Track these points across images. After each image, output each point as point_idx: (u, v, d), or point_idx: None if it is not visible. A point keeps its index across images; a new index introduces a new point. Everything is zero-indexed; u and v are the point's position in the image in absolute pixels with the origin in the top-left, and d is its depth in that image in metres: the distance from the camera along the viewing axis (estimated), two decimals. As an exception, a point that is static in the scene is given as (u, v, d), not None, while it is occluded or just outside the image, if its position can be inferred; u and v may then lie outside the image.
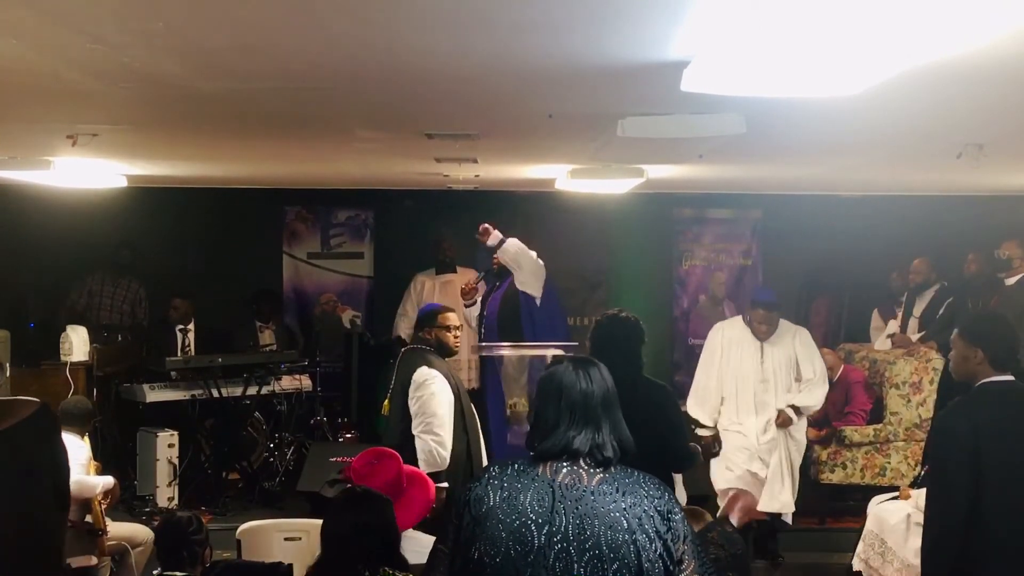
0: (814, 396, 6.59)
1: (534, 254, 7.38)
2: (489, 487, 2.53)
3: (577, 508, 2.46)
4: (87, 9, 2.56)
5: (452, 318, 5.22)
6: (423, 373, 4.96)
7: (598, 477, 2.52)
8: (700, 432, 6.51)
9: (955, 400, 3.81)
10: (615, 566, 2.42)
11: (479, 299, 7.41)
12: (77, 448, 5.60)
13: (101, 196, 7.79)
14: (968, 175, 6.52)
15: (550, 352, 7.05)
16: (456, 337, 5.24)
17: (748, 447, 6.55)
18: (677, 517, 2.53)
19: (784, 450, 6.60)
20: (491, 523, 2.48)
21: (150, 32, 2.77)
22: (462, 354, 8.19)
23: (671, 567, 2.48)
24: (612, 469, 2.54)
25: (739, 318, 6.88)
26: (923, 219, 8.74)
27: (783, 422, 6.54)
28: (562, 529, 2.44)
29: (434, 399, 4.90)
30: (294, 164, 7.08)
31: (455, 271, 8.77)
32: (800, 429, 6.69)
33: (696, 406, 6.66)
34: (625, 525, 2.45)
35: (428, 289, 8.75)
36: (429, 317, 5.22)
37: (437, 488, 4.74)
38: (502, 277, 7.41)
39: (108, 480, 5.62)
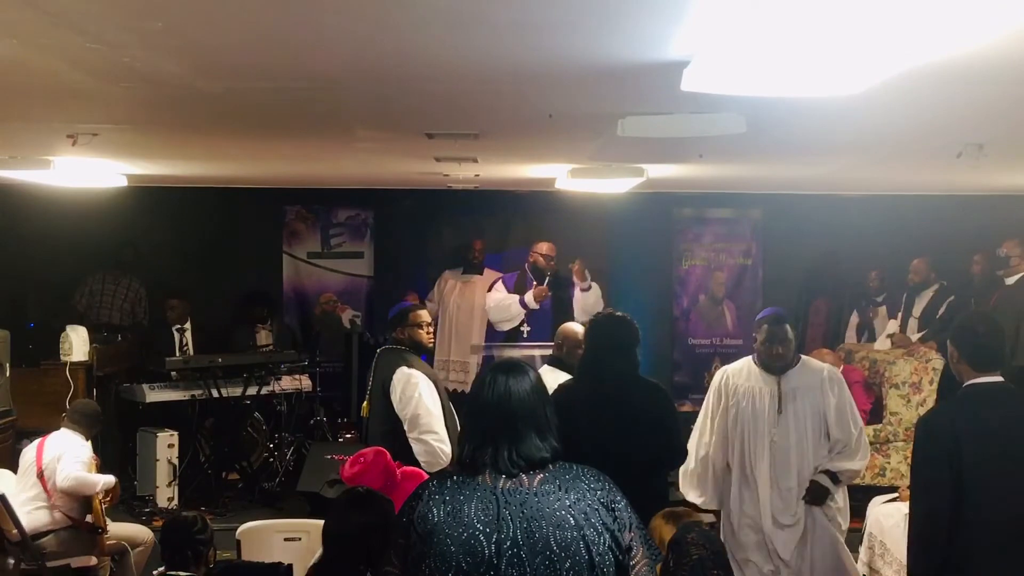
0: (857, 459, 4.83)
1: (595, 298, 8.09)
2: (431, 502, 2.49)
3: (523, 512, 2.45)
4: (87, 9, 2.56)
5: (424, 315, 5.19)
6: (404, 373, 4.89)
7: (539, 477, 2.50)
8: (703, 518, 4.52)
9: (943, 401, 3.84)
10: (567, 564, 2.42)
11: (586, 279, 7.97)
12: (80, 446, 5.64)
13: (101, 196, 7.79)
14: (968, 175, 6.52)
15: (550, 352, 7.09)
16: (429, 334, 5.20)
17: (764, 542, 4.82)
18: (621, 506, 2.53)
19: (819, 539, 4.81)
20: (439, 539, 2.44)
21: (150, 32, 2.77)
22: (464, 355, 8.26)
23: (620, 557, 2.48)
24: (551, 467, 2.52)
25: (745, 359, 5.04)
26: (923, 219, 8.75)
27: (815, 497, 4.76)
28: (511, 535, 2.43)
29: (422, 398, 4.86)
30: (294, 164, 7.08)
31: (481, 273, 8.82)
32: (841, 510, 4.90)
33: (689, 485, 5.03)
34: (572, 522, 2.45)
35: (450, 287, 8.80)
36: (400, 316, 5.15)
37: None
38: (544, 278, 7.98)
39: (109, 479, 5.64)
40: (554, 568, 2.41)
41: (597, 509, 2.48)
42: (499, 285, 8.15)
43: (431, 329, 5.26)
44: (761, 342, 4.86)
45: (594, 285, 7.97)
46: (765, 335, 4.83)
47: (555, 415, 2.62)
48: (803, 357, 5.05)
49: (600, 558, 2.44)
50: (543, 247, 7.95)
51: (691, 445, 4.94)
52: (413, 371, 4.92)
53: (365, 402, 5.12)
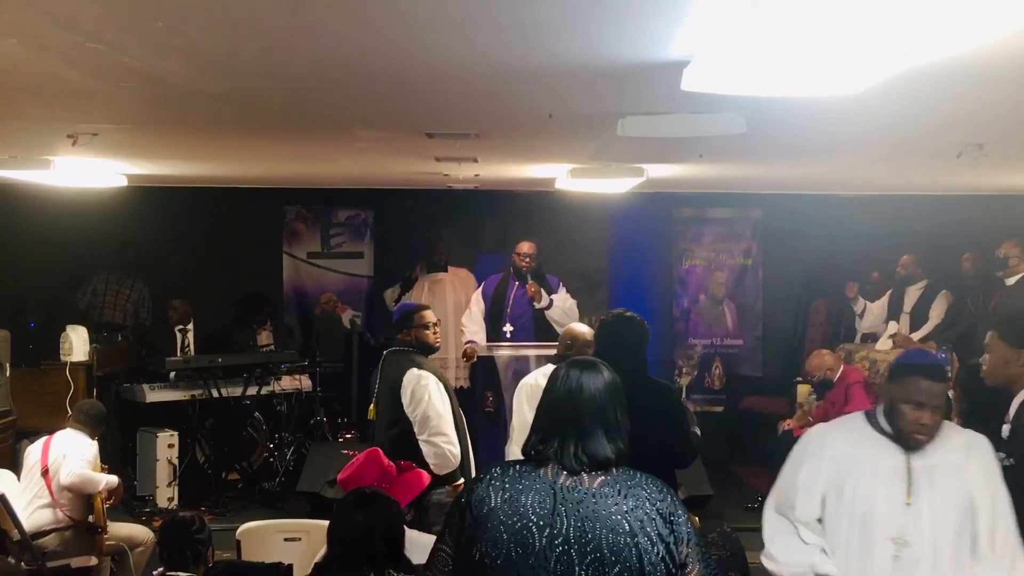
0: None
1: (571, 303, 7.92)
2: (491, 488, 2.51)
3: (578, 511, 2.45)
4: (87, 9, 2.56)
5: (429, 315, 5.18)
6: (414, 374, 4.90)
7: (599, 479, 2.50)
8: None
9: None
10: (616, 569, 2.40)
11: (544, 298, 7.82)
12: (86, 445, 5.68)
13: (101, 196, 7.79)
14: (968, 175, 6.52)
15: (549, 352, 7.09)
16: (436, 334, 5.19)
17: None
18: (680, 520, 2.50)
19: None
20: (492, 524, 2.46)
21: (150, 32, 2.77)
22: (450, 353, 8.30)
23: (673, 570, 2.46)
24: (614, 471, 2.52)
25: (858, 417, 3.37)
26: (923, 219, 8.75)
27: None
28: (563, 532, 2.43)
29: (433, 400, 4.87)
30: (294, 164, 7.08)
31: (446, 271, 8.90)
32: None
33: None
34: (627, 528, 2.43)
35: (418, 286, 8.81)
36: (407, 317, 5.15)
37: (455, 485, 4.80)
38: (524, 278, 7.85)
39: (112, 479, 5.67)
40: (602, 571, 2.40)
41: (655, 519, 2.46)
42: (476, 296, 8.09)
43: (438, 329, 5.27)
44: (902, 400, 3.17)
45: (556, 296, 7.89)
46: (911, 392, 3.16)
47: (627, 418, 2.60)
48: (945, 422, 3.29)
49: (652, 568, 2.42)
50: (522, 247, 7.91)
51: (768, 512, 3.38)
52: (423, 372, 4.92)
53: (372, 404, 5.09)
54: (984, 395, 4.20)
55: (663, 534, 2.45)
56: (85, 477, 5.51)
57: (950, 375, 3.86)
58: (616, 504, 2.46)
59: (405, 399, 4.86)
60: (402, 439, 4.84)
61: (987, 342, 3.60)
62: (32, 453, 5.70)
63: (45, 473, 5.55)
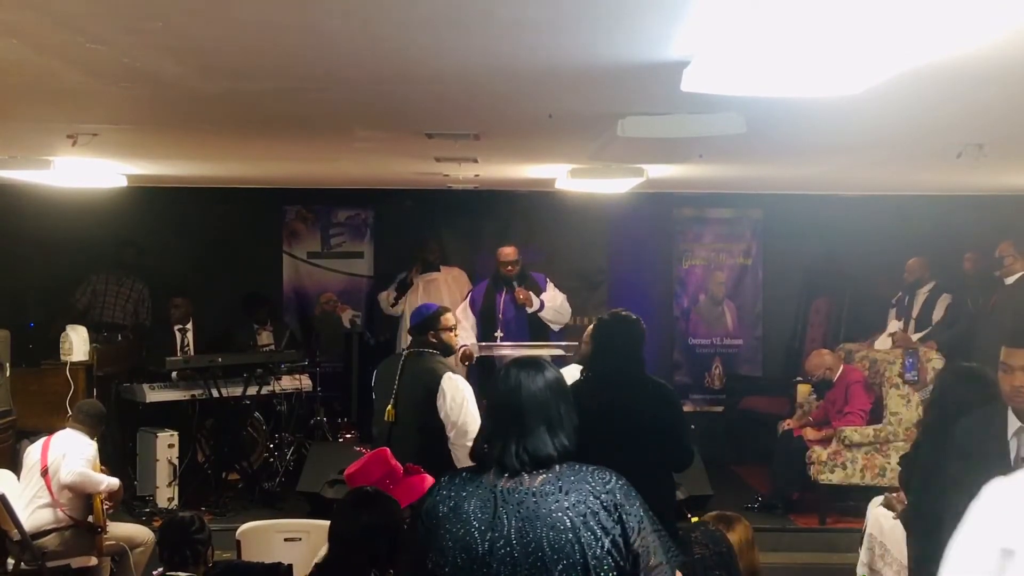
0: None
1: (561, 299, 7.82)
2: (438, 498, 2.54)
3: (519, 512, 2.45)
4: (87, 9, 2.56)
5: (451, 318, 5.14)
6: (452, 379, 4.83)
7: (540, 478, 2.49)
8: None
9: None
10: (560, 567, 2.40)
11: (535, 302, 7.76)
12: (85, 445, 5.68)
13: (101, 196, 7.79)
14: (968, 175, 6.52)
15: (551, 352, 7.10)
16: (456, 336, 5.20)
17: None
18: (631, 510, 2.47)
19: None
20: (440, 533, 2.48)
21: (150, 32, 2.77)
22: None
23: (622, 563, 2.43)
24: (556, 468, 2.51)
25: None
26: (923, 219, 8.75)
27: None
28: (505, 534, 2.43)
29: (468, 404, 4.79)
30: (294, 164, 7.08)
31: (439, 270, 8.90)
32: None
33: None
34: (568, 524, 2.42)
35: (414, 287, 8.79)
36: (433, 320, 5.05)
37: None
38: (518, 281, 7.79)
39: (113, 480, 5.67)
40: (546, 569, 2.40)
41: (597, 512, 2.44)
42: (464, 307, 8.00)
43: (457, 331, 5.28)
44: None
45: (546, 295, 7.81)
46: None
47: (573, 414, 2.60)
48: None
49: (597, 562, 2.41)
50: (504, 253, 7.81)
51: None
52: (458, 376, 4.89)
53: (390, 406, 5.01)
54: (948, 398, 4.27)
55: (607, 527, 2.43)
56: (85, 476, 5.52)
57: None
58: (557, 501, 2.45)
59: (444, 403, 4.77)
60: (432, 443, 4.78)
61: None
62: (32, 453, 5.70)
63: (45, 473, 5.55)
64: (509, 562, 2.41)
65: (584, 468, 2.54)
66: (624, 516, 2.46)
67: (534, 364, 2.65)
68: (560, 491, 2.47)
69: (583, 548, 2.41)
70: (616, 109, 3.91)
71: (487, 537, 2.44)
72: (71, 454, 5.55)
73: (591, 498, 2.46)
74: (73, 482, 5.48)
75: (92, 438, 5.78)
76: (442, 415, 4.78)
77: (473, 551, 2.44)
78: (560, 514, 2.44)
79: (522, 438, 2.52)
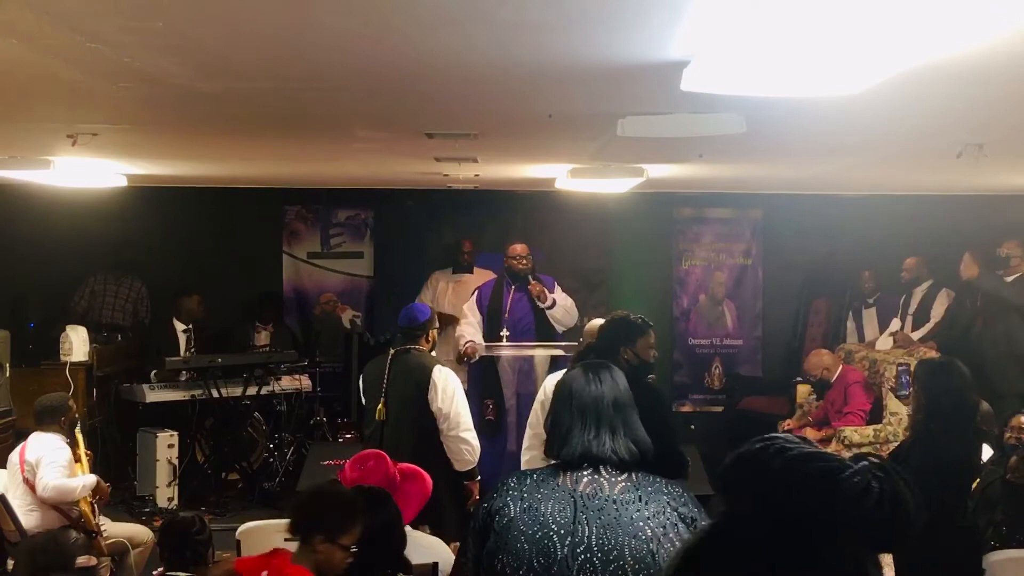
0: None
1: (570, 301, 7.66)
2: (509, 498, 2.49)
3: (600, 518, 2.43)
4: (87, 9, 2.56)
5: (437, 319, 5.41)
6: (443, 371, 4.97)
7: (620, 485, 2.48)
8: None
9: None
10: None
11: (548, 297, 7.64)
12: (55, 449, 5.41)
13: (101, 196, 7.80)
14: (968, 175, 6.52)
15: (551, 352, 7.10)
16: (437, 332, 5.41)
17: None
18: (703, 523, 2.46)
19: None
20: (513, 535, 2.44)
21: (150, 32, 2.77)
22: (450, 355, 8.31)
23: None
24: (633, 476, 2.50)
25: None
26: (923, 219, 8.75)
27: None
28: (585, 539, 2.40)
29: (458, 394, 4.96)
30: (294, 164, 7.08)
31: (472, 272, 8.78)
32: None
33: None
34: (649, 534, 2.41)
35: (442, 288, 8.76)
36: (431, 320, 5.26)
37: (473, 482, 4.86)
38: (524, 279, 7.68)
39: (88, 480, 5.43)
40: None
41: (676, 524, 2.43)
42: (471, 306, 7.97)
43: (462, 326, 5.40)
44: None
45: (556, 295, 7.84)
46: None
47: (638, 421, 2.60)
48: None
49: None
50: (515, 249, 7.80)
51: None
52: (447, 369, 5.04)
53: (380, 404, 5.05)
54: (944, 393, 4.33)
55: (685, 539, 2.41)
56: (60, 488, 5.31)
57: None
58: (638, 510, 2.43)
59: (436, 395, 4.90)
60: (426, 438, 4.87)
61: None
62: (12, 459, 5.52)
63: (25, 480, 5.39)
64: (589, 568, 2.38)
65: (658, 480, 2.53)
66: (697, 529, 2.45)
67: (609, 367, 2.66)
68: (639, 500, 2.45)
69: (662, 559, 2.39)
70: (616, 109, 3.91)
71: (567, 542, 2.40)
72: (43, 464, 5.32)
73: (668, 509, 2.45)
74: (50, 498, 5.31)
75: (64, 435, 5.52)
76: (434, 408, 4.87)
77: (552, 555, 2.40)
78: (642, 523, 2.42)
79: (605, 439, 2.51)
